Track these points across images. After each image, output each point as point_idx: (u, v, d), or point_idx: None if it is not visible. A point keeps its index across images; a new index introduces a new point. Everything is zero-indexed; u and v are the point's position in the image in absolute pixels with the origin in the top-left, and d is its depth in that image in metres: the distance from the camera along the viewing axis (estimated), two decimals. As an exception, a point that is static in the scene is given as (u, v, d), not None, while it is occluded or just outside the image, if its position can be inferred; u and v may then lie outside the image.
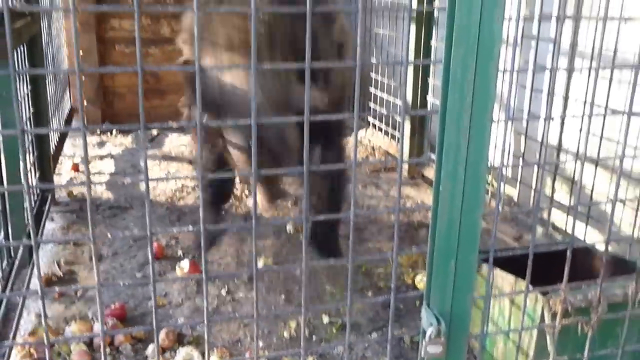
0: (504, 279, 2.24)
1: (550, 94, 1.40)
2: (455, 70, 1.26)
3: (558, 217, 3.60)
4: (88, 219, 1.05)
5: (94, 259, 1.15)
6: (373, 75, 5.57)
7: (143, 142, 1.06)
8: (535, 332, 2.09)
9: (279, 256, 3.44)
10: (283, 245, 3.59)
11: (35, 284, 3.06)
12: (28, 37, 3.29)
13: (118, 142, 5.64)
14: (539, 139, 3.64)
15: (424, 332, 1.38)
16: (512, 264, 2.22)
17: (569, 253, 1.52)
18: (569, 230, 3.40)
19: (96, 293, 1.19)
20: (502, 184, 4.04)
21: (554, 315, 2.00)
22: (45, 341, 1.16)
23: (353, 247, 1.38)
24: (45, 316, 1.15)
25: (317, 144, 3.08)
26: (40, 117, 3.76)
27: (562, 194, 3.60)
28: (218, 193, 3.35)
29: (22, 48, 3.34)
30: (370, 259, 3.48)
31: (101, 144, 5.57)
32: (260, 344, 2.68)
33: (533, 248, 1.52)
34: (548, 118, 1.45)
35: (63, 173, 4.72)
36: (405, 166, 4.85)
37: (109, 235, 1.16)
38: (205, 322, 1.29)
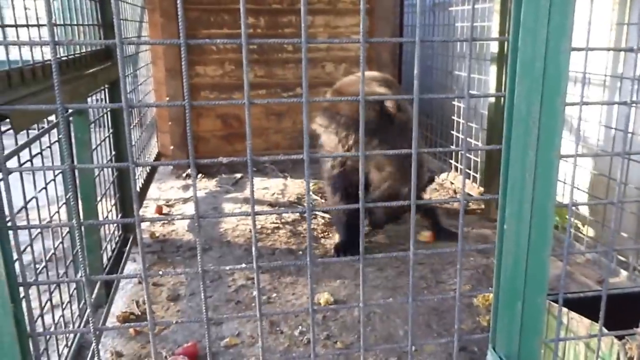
0: (579, 323, 2.13)
1: (626, 131, 1.34)
2: (519, 105, 1.22)
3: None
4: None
5: (145, 292, 1.16)
6: (455, 117, 5.55)
7: (192, 172, 1.07)
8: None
9: (351, 297, 3.41)
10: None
11: (110, 321, 3.14)
12: (106, 82, 3.40)
13: (202, 186, 5.79)
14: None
15: (490, 376, 1.33)
16: (592, 309, 2.12)
17: (646, 295, 1.43)
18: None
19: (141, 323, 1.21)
20: (571, 221, 3.90)
21: (631, 361, 1.88)
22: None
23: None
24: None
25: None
26: (121, 160, 3.89)
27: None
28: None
29: (103, 94, 3.47)
30: (432, 298, 3.37)
31: (186, 187, 5.72)
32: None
33: (607, 289, 1.44)
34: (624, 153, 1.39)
35: (147, 215, 4.86)
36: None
37: (160, 273, 1.18)
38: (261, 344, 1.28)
